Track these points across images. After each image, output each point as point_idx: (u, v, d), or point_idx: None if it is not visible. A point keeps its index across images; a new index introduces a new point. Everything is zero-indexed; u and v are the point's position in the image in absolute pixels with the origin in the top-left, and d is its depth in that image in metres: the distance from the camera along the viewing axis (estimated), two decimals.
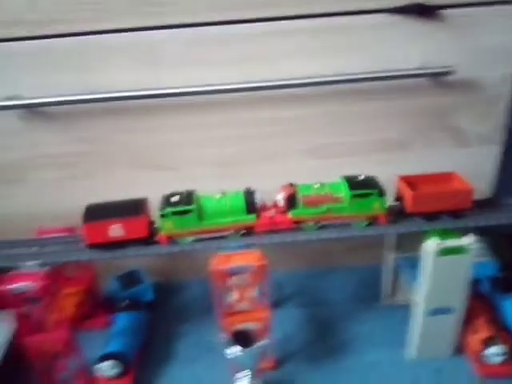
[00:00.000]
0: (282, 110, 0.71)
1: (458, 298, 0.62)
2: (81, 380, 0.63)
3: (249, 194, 0.61)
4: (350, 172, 0.63)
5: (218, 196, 0.61)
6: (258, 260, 0.58)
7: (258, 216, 0.61)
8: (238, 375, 0.60)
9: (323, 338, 0.72)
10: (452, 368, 0.66)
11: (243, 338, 0.58)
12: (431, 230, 0.60)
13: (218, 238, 0.62)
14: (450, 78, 0.68)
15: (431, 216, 0.62)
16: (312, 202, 0.60)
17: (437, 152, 0.76)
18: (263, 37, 0.65)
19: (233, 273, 0.58)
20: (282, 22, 0.64)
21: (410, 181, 0.63)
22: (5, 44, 0.63)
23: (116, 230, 0.58)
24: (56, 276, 0.58)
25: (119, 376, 0.64)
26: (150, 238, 0.61)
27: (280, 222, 0.61)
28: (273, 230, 0.61)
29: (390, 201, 0.63)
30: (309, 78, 0.66)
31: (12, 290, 0.54)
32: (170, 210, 0.58)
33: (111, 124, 0.70)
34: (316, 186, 0.60)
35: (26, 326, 0.57)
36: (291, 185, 0.61)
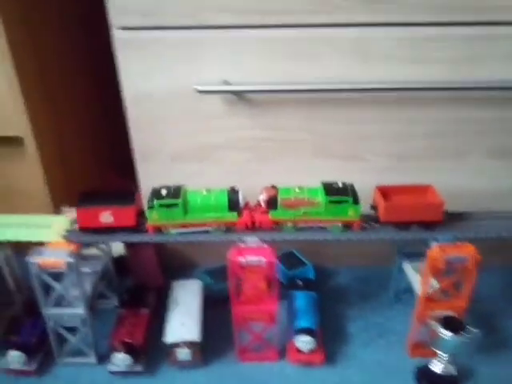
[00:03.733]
0: (481, 111, 0.71)
1: None
2: (272, 348, 0.68)
3: (233, 193, 0.63)
4: None
5: (204, 192, 0.63)
6: None
7: (239, 214, 0.63)
8: (435, 359, 0.64)
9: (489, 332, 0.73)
10: None
11: (452, 324, 0.61)
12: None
13: (201, 232, 0.64)
14: None
15: (402, 226, 0.64)
16: (290, 205, 0.62)
17: None
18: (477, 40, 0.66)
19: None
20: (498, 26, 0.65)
21: (386, 191, 0.65)
22: (238, 30, 0.66)
23: (106, 217, 0.62)
24: None
25: (312, 352, 0.67)
26: (137, 227, 0.64)
27: (260, 221, 0.64)
28: (253, 229, 0.64)
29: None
30: None
31: (244, 262, 0.60)
32: (157, 202, 0.61)
33: (304, 113, 0.72)
34: (296, 190, 0.63)
35: (237, 296, 0.63)
36: (273, 187, 0.64)
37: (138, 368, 0.66)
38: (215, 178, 0.77)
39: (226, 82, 0.69)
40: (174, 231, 0.64)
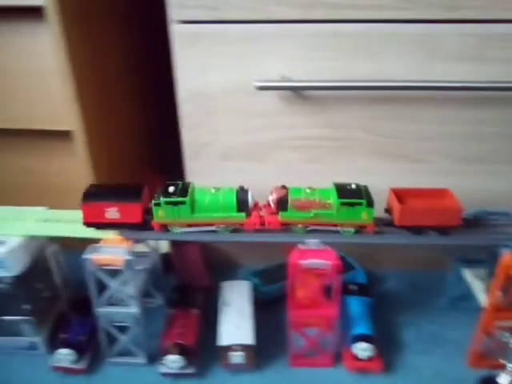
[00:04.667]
0: None
1: None
2: (327, 355, 0.66)
3: (242, 193, 0.61)
4: None
5: (212, 190, 0.61)
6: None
7: (248, 214, 0.61)
8: (502, 371, 0.61)
9: None
10: None
11: None
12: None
13: (208, 231, 0.62)
14: None
15: (418, 230, 0.61)
16: (301, 206, 0.60)
17: None
18: None
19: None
20: None
21: (401, 194, 0.62)
22: (301, 25, 0.64)
23: (112, 213, 0.61)
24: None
25: (370, 359, 0.65)
26: (144, 224, 0.62)
27: (269, 222, 0.61)
28: (262, 230, 0.62)
29: None
30: None
31: (306, 264, 0.58)
32: (163, 199, 0.59)
33: (363, 111, 0.70)
34: (307, 191, 0.61)
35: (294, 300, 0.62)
36: (284, 187, 0.62)
37: (190, 370, 0.64)
38: (264, 178, 0.75)
39: (285, 78, 0.67)
40: (178, 230, 0.62)
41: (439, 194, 0.63)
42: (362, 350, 0.64)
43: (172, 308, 0.71)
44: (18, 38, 0.70)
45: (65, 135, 0.75)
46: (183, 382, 0.65)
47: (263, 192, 0.63)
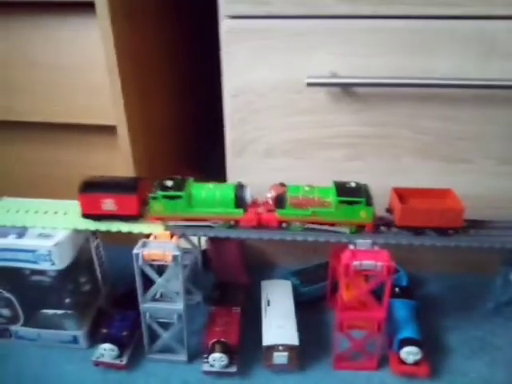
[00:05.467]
0: None
1: None
2: (372, 358, 0.64)
3: (240, 189, 0.61)
4: None
5: (210, 186, 0.61)
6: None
7: (245, 211, 0.61)
8: None
9: None
10: None
11: None
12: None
13: (204, 226, 0.62)
14: None
15: (419, 231, 0.61)
16: (299, 204, 0.60)
17: None
18: None
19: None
20: None
21: (403, 194, 0.62)
22: (351, 21, 0.64)
23: (109, 205, 0.61)
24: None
25: (416, 363, 0.63)
26: (140, 217, 0.63)
27: (266, 219, 0.61)
28: (259, 227, 0.61)
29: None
30: None
31: (358, 265, 0.56)
32: (160, 193, 0.60)
33: (411, 110, 0.68)
34: (306, 189, 0.60)
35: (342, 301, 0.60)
36: (282, 184, 0.62)
37: (233, 369, 0.63)
38: (305, 176, 0.73)
39: (334, 75, 0.66)
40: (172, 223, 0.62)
41: (442, 194, 0.63)
42: (409, 353, 0.62)
43: (213, 305, 0.70)
44: (65, 33, 0.71)
45: (108, 130, 0.75)
46: (225, 381, 0.64)
47: None
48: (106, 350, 0.64)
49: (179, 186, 0.61)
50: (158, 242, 0.59)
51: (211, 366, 0.63)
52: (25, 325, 0.67)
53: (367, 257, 0.56)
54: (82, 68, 0.72)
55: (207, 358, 0.63)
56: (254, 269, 0.83)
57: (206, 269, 0.80)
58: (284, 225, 0.61)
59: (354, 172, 0.73)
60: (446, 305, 0.77)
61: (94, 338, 0.69)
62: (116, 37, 0.67)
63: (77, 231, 0.63)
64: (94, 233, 0.68)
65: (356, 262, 0.56)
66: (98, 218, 0.63)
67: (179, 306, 0.62)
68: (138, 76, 0.76)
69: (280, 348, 0.62)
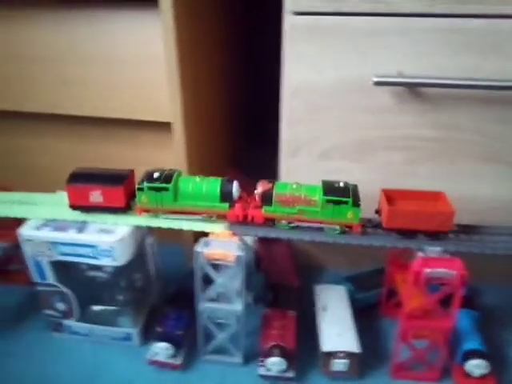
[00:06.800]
0: None
1: None
2: (434, 369, 0.62)
3: (226, 183, 0.61)
4: None
5: (197, 179, 0.61)
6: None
7: (232, 206, 0.61)
8: None
9: None
10: None
11: None
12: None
13: (190, 220, 0.62)
14: None
15: (407, 233, 0.59)
16: (285, 201, 0.59)
17: None
18: None
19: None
20: None
21: (393, 195, 0.61)
22: (422, 19, 0.61)
23: (96, 196, 0.61)
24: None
25: (483, 377, 0.61)
26: (127, 209, 0.63)
27: (252, 215, 0.61)
28: (244, 223, 0.61)
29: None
30: None
31: (429, 273, 0.54)
32: (146, 184, 0.60)
33: (482, 112, 0.66)
34: (293, 186, 0.60)
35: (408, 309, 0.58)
36: (270, 181, 0.61)
37: (290, 374, 0.62)
38: (361, 178, 0.71)
39: (401, 74, 0.64)
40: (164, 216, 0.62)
41: (433, 197, 0.61)
42: (475, 366, 0.60)
43: (267, 307, 0.69)
44: (122, 28, 0.70)
45: (161, 126, 0.74)
46: None
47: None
48: (162, 349, 0.63)
49: (166, 178, 0.60)
50: (221, 242, 0.58)
51: (268, 369, 0.62)
52: (79, 320, 0.67)
53: (440, 265, 0.54)
54: (139, 63, 0.71)
55: (264, 361, 0.61)
56: (301, 271, 0.81)
57: (256, 270, 0.78)
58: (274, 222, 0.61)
59: (414, 176, 0.71)
60: (506, 317, 0.74)
61: (147, 336, 0.68)
62: (177, 31, 0.66)
63: (136, 227, 0.62)
64: (150, 229, 0.68)
65: (428, 270, 0.54)
66: (86, 210, 0.63)
67: (238, 307, 0.60)
68: (192, 72, 0.76)
69: (340, 355, 0.61)
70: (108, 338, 0.68)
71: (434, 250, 0.56)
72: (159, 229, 0.63)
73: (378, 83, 0.62)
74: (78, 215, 0.63)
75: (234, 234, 0.60)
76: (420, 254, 0.56)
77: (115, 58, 0.72)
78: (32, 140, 0.85)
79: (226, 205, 0.61)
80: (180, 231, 0.63)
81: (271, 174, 0.78)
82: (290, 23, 0.64)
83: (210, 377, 0.64)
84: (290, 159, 0.73)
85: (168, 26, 0.65)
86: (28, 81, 0.76)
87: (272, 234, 0.61)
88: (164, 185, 0.59)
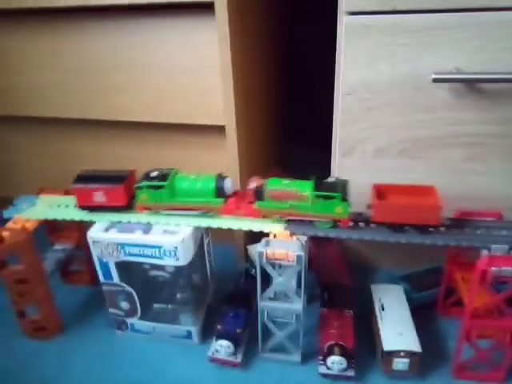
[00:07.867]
0: None
1: None
2: (499, 369, 0.62)
3: (221, 179, 0.63)
4: None
5: (192, 176, 0.64)
6: None
7: (225, 201, 0.63)
8: None
9: None
10: None
11: None
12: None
13: (187, 215, 0.65)
14: None
15: (396, 227, 0.60)
16: (277, 197, 0.61)
17: None
18: None
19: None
20: None
21: (383, 190, 0.62)
22: (482, 13, 0.60)
23: (99, 196, 0.65)
24: None
25: None
26: (129, 207, 0.66)
27: (246, 211, 0.63)
28: (238, 218, 0.64)
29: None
30: None
31: (497, 272, 0.54)
32: (145, 183, 0.63)
33: None
34: (285, 182, 0.61)
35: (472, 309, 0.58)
36: (262, 177, 0.64)
37: (350, 373, 0.62)
38: (420, 176, 0.71)
39: (459, 70, 0.63)
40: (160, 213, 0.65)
41: (424, 191, 0.61)
42: None
43: (323, 307, 0.69)
44: (178, 35, 0.72)
45: (215, 130, 0.76)
46: None
47: None
48: (222, 347, 0.65)
49: (163, 176, 0.63)
50: (281, 241, 0.59)
51: (328, 368, 0.62)
52: (141, 318, 0.70)
53: (507, 263, 0.53)
54: (193, 69, 0.73)
55: (324, 360, 0.62)
56: (352, 270, 0.82)
57: (308, 269, 0.79)
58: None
59: (474, 173, 0.70)
60: None
61: (205, 334, 0.70)
62: (231, 38, 0.68)
63: (196, 228, 0.64)
64: (207, 230, 0.69)
65: (495, 269, 0.53)
66: (92, 210, 0.67)
67: (298, 306, 0.61)
68: (244, 77, 0.77)
69: (401, 354, 0.60)
70: (168, 336, 0.70)
71: (499, 248, 0.55)
72: (218, 229, 0.65)
73: (436, 80, 0.61)
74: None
75: (292, 234, 0.60)
76: (485, 253, 0.55)
77: (172, 66, 0.74)
78: (92, 147, 0.88)
79: (222, 200, 0.63)
80: (230, 231, 0.64)
81: (315, 174, 0.78)
82: (346, 23, 0.64)
83: (270, 375, 0.65)
84: (344, 158, 0.73)
85: (224, 35, 0.67)
86: (90, 89, 0.79)
87: (320, 233, 0.61)
88: (161, 183, 0.63)
